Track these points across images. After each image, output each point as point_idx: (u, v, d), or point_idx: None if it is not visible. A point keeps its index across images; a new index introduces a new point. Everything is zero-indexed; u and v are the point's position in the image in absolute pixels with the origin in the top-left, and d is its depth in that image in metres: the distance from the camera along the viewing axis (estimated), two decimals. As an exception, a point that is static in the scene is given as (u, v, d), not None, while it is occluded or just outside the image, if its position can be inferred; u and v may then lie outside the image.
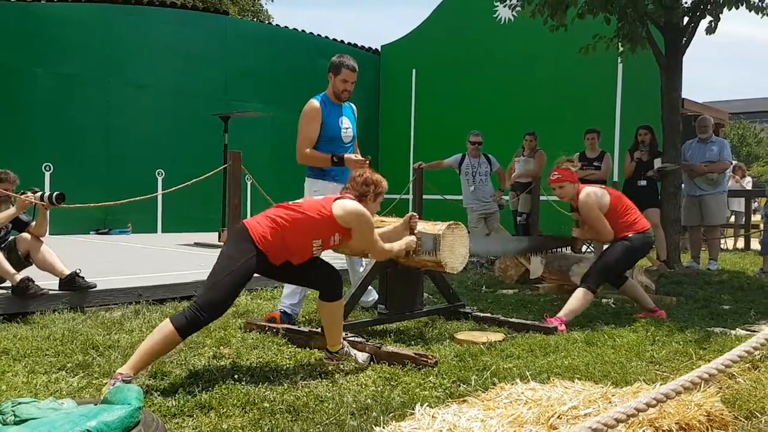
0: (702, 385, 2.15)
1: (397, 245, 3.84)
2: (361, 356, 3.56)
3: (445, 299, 4.89)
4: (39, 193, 4.71)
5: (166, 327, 3.03)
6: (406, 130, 15.49)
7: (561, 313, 4.57)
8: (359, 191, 3.51)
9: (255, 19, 24.42)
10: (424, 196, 9.07)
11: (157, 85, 12.16)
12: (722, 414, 1.97)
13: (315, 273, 3.51)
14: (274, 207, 3.42)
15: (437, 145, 12.95)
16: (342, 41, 15.82)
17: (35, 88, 10.84)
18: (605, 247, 5.07)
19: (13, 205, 4.79)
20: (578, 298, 4.65)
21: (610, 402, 1.75)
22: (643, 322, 4.68)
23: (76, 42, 11.21)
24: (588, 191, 4.83)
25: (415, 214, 4.16)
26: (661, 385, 1.50)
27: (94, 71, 11.43)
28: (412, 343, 4.04)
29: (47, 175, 10.54)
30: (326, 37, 15.50)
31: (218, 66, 13.13)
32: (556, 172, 4.87)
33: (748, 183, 13.82)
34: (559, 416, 1.69)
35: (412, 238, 4.00)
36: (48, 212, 4.82)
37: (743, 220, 12.47)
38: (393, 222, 4.33)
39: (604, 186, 5.09)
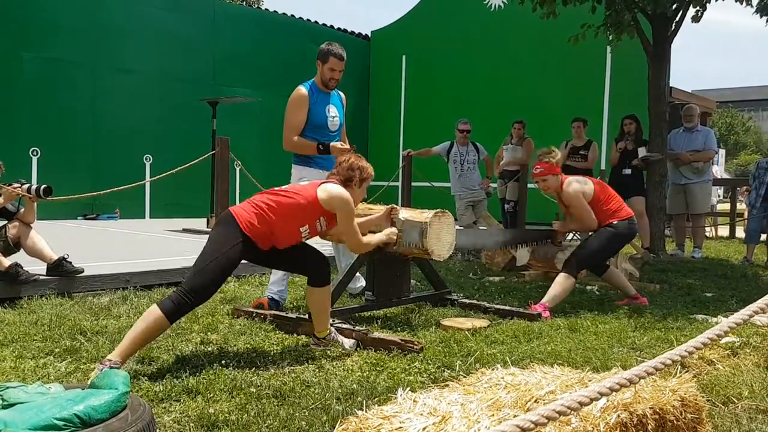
0: (678, 370, 2.21)
1: (376, 238, 3.84)
2: (348, 342, 3.60)
3: (432, 286, 4.93)
4: (26, 186, 4.70)
5: (153, 312, 3.05)
6: (396, 116, 15.49)
7: (544, 300, 4.63)
8: (345, 176, 3.51)
9: (244, 3, 24.24)
10: (413, 184, 9.12)
11: (144, 69, 12.07)
12: (696, 399, 2.02)
13: (303, 259, 3.54)
14: (260, 193, 3.42)
15: (426, 132, 12.98)
16: (332, 26, 15.76)
17: (22, 72, 10.74)
18: (590, 233, 5.12)
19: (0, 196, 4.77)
20: (560, 283, 4.70)
21: (586, 387, 1.80)
22: (626, 309, 4.76)
23: (63, 26, 11.09)
24: (571, 181, 4.87)
25: (396, 206, 4.15)
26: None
27: (82, 56, 11.33)
28: (399, 329, 4.09)
29: (34, 160, 10.48)
30: (316, 21, 15.44)
31: (206, 50, 13.05)
32: (539, 166, 4.89)
33: (717, 171, 13.94)
34: (536, 400, 1.73)
35: (393, 230, 4.01)
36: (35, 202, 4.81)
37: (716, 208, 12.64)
38: (379, 210, 4.36)
39: (587, 175, 5.13)
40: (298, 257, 3.54)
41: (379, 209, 4.41)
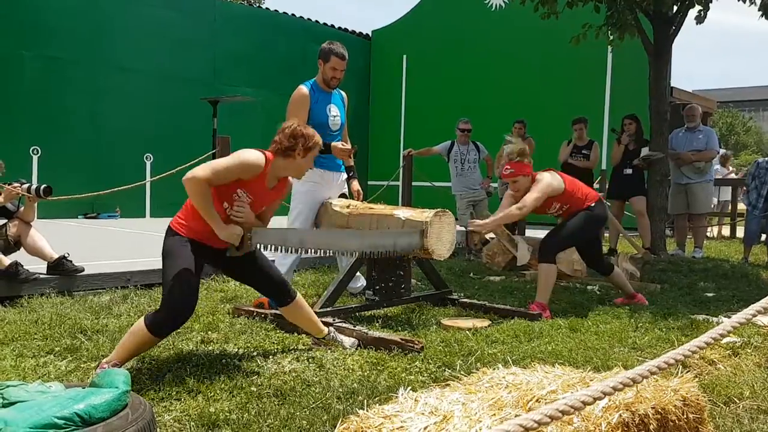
0: (679, 370, 2.21)
1: (215, 221, 3.06)
2: (348, 341, 3.60)
3: (433, 285, 4.93)
4: (26, 185, 4.70)
5: (140, 328, 2.98)
6: (397, 116, 15.49)
7: (537, 298, 4.61)
8: (285, 144, 3.15)
9: (244, 2, 24.22)
10: (413, 183, 9.11)
11: (145, 68, 12.07)
12: (698, 399, 2.02)
13: (262, 282, 3.43)
14: None
15: (427, 131, 12.97)
16: (333, 26, 15.75)
17: (22, 71, 10.74)
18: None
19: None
20: (543, 275, 4.65)
21: (588, 386, 1.79)
22: (626, 309, 4.75)
23: (63, 25, 11.09)
24: (542, 177, 4.68)
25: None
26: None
27: (82, 54, 11.33)
28: (399, 328, 4.08)
29: (35, 159, 10.48)
30: (317, 21, 15.43)
31: (207, 50, 13.04)
32: (509, 167, 4.67)
33: (732, 172, 13.92)
34: (537, 400, 1.73)
35: (238, 230, 3.14)
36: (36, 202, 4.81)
37: (729, 208, 12.59)
38: (377, 209, 4.35)
39: (551, 169, 5.00)
40: (257, 278, 3.41)
41: (380, 209, 4.40)
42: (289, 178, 3.35)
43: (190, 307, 3.04)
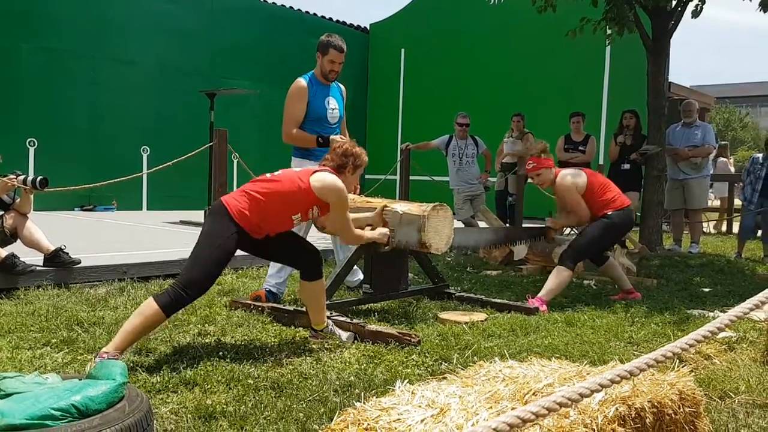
0: (675, 364, 2.21)
1: (369, 234, 3.86)
2: (345, 335, 3.60)
3: (430, 279, 4.93)
4: (22, 177, 4.67)
5: (149, 306, 3.02)
6: (394, 109, 15.47)
7: (541, 294, 4.63)
8: (338, 162, 3.45)
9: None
10: (411, 177, 9.10)
11: (142, 61, 12.04)
12: (694, 393, 2.02)
13: (295, 252, 3.51)
14: (252, 181, 3.37)
15: (425, 125, 12.97)
16: (331, 19, 15.70)
17: (20, 63, 10.70)
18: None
19: None
20: (556, 276, 4.69)
21: (584, 380, 1.79)
22: (623, 304, 4.76)
23: (62, 17, 11.05)
24: (563, 174, 4.86)
25: (389, 205, 4.13)
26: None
27: (80, 46, 11.29)
28: (396, 322, 4.09)
29: (31, 150, 10.45)
30: (315, 14, 15.39)
31: (205, 42, 13.00)
32: (531, 161, 4.92)
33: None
34: (534, 393, 1.73)
35: (385, 230, 4.02)
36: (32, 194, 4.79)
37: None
38: (376, 204, 4.35)
39: (581, 167, 5.12)
40: (291, 250, 3.51)
41: (377, 202, 4.40)
42: None
43: (203, 291, 3.19)
